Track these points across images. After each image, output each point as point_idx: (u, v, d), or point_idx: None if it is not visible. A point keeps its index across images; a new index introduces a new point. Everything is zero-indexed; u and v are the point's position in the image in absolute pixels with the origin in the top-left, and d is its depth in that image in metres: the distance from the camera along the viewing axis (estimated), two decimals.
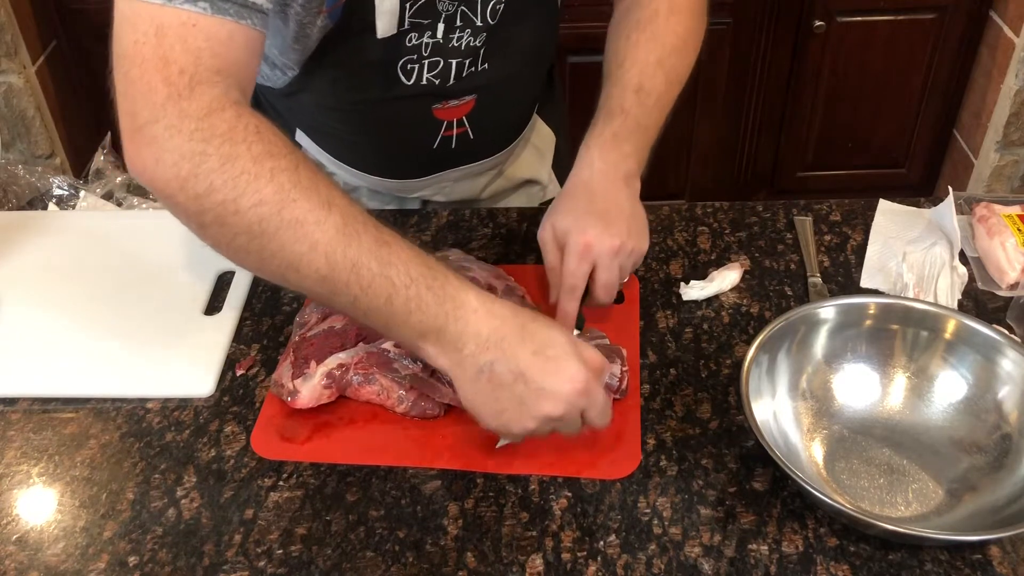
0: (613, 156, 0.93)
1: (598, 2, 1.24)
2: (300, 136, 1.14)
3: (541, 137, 1.27)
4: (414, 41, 0.96)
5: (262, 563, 0.79)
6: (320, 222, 0.68)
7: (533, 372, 0.71)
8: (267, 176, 0.68)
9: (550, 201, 0.98)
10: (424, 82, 1.00)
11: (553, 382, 0.72)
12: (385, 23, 0.93)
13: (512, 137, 1.19)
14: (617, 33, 1.01)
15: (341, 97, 1.03)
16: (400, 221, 1.14)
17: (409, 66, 0.98)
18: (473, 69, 1.02)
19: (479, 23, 0.98)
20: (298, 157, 0.71)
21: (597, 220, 0.90)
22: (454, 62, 1.00)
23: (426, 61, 0.98)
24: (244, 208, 0.68)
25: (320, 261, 0.69)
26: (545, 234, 0.92)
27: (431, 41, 0.97)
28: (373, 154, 1.13)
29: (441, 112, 1.05)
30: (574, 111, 1.33)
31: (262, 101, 1.13)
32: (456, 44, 0.98)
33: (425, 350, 0.74)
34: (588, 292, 0.92)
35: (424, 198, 1.20)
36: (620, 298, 0.99)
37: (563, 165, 1.31)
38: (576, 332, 0.94)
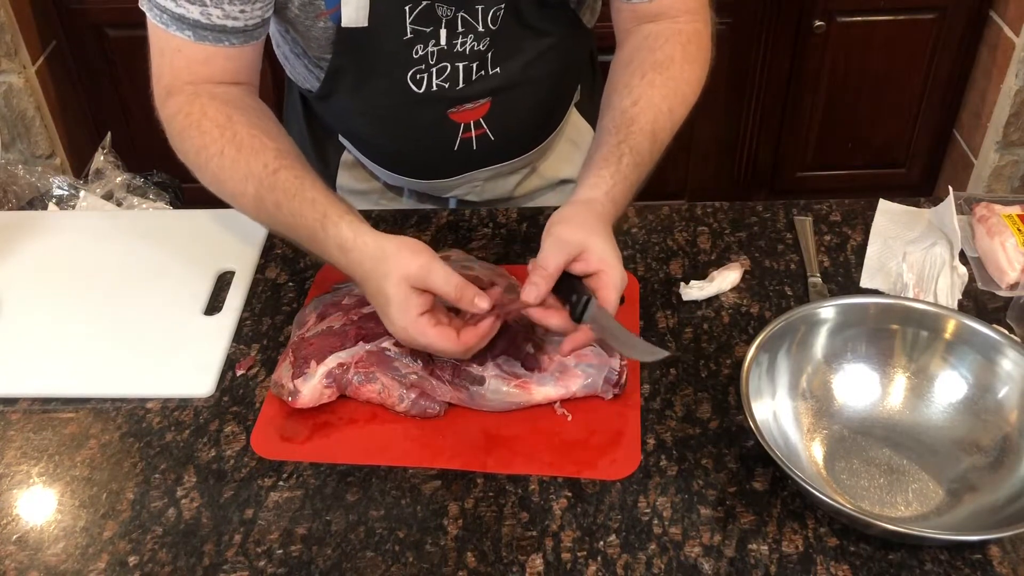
0: (623, 203, 0.90)
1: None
2: (341, 139, 1.22)
3: (579, 132, 1.26)
4: (420, 52, 0.99)
5: (262, 563, 0.79)
6: (244, 193, 0.92)
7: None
8: (203, 165, 0.93)
9: None
10: (434, 88, 1.03)
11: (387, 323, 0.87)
12: (351, 12, 0.94)
13: (539, 137, 1.18)
14: (629, 69, 0.97)
15: (361, 103, 1.08)
16: (400, 221, 1.14)
17: (419, 76, 1.02)
18: (483, 73, 1.03)
19: (481, 28, 0.98)
20: (225, 140, 0.91)
21: (619, 259, 0.85)
22: (461, 66, 1.01)
23: (434, 69, 1.01)
24: (203, 179, 0.95)
25: (251, 212, 0.94)
26: (564, 234, 0.83)
27: (435, 49, 0.99)
28: (399, 156, 1.17)
29: (456, 115, 1.07)
30: None
31: (310, 105, 1.20)
32: (461, 49, 1.00)
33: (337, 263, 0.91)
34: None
35: (458, 197, 1.22)
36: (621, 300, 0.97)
37: None
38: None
